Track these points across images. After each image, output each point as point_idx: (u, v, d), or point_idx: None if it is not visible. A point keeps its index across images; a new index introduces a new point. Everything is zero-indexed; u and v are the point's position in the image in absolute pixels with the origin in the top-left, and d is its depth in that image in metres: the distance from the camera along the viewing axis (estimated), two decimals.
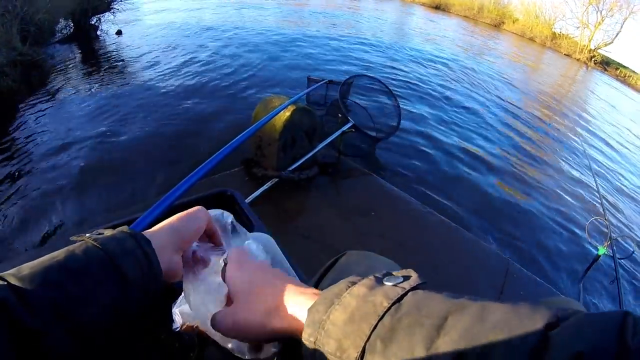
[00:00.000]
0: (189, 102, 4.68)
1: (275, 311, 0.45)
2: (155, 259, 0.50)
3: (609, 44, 29.32)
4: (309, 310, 0.40)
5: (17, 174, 3.22)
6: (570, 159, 5.85)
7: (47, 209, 2.85)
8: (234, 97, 5.05)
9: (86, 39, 7.41)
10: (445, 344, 0.32)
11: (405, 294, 0.37)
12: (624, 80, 26.77)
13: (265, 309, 0.45)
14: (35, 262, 0.42)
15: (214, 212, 0.78)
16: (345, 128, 3.11)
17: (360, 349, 0.34)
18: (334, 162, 3.08)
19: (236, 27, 9.61)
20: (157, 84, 5.15)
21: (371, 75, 4.13)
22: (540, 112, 8.22)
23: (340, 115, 3.19)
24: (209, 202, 1.26)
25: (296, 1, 17.79)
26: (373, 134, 3.55)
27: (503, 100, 7.95)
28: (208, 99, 4.87)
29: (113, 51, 6.86)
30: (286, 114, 2.59)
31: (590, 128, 8.66)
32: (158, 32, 8.42)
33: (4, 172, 3.22)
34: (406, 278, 0.40)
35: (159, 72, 5.66)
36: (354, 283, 0.40)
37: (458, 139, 5.17)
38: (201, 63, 6.31)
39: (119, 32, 8.04)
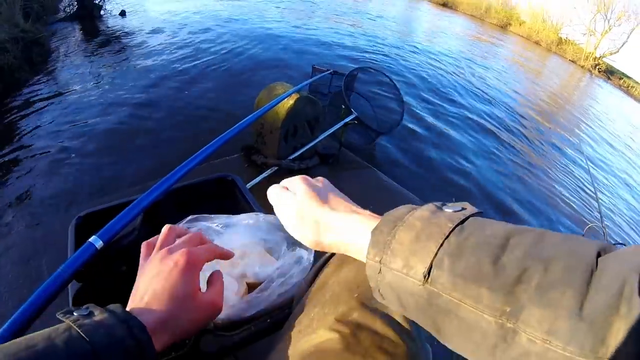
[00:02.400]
0: (188, 85, 4.62)
1: (331, 225, 0.49)
2: (150, 347, 0.45)
3: (615, 53, 29.32)
4: (373, 231, 0.41)
5: (12, 151, 3.18)
6: (569, 165, 5.85)
7: (39, 186, 2.83)
8: (235, 82, 4.98)
9: (89, 18, 7.24)
10: (510, 261, 0.34)
11: (467, 218, 0.39)
12: (627, 91, 26.80)
13: (322, 223, 0.49)
14: (13, 347, 0.39)
15: (196, 227, 0.81)
16: (348, 119, 3.10)
17: (428, 265, 0.36)
18: (334, 153, 3.07)
19: (241, 15, 9.47)
20: (158, 66, 5.09)
21: (377, 68, 4.09)
22: (541, 117, 8.20)
23: (343, 106, 3.16)
24: (209, 187, 1.26)
25: None
26: (375, 127, 3.53)
27: (505, 102, 7.93)
28: (209, 83, 4.81)
29: (116, 31, 6.74)
30: (290, 102, 2.56)
31: (591, 135, 8.66)
32: (162, 14, 8.28)
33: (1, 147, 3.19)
34: (464, 208, 0.42)
35: (160, 54, 5.59)
36: (414, 208, 0.42)
37: (458, 139, 5.15)
38: (204, 48, 6.22)
39: (122, 13, 7.93)
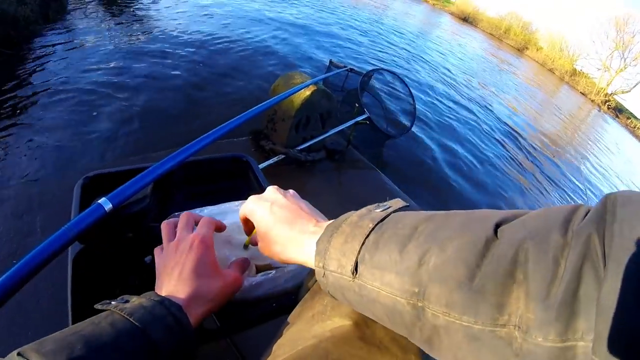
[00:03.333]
0: (206, 61, 4.58)
1: (290, 244, 0.52)
2: (187, 323, 0.48)
3: (626, 92, 29.49)
4: (317, 242, 0.47)
5: (19, 101, 3.14)
6: (568, 197, 5.86)
7: (42, 141, 2.79)
8: (253, 65, 4.95)
9: None
10: (413, 247, 0.38)
11: (388, 215, 0.44)
12: (633, 131, 26.97)
13: (281, 243, 0.53)
14: (58, 334, 0.41)
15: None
16: (359, 119, 3.08)
17: (354, 262, 0.42)
18: (341, 150, 3.06)
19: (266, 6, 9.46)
20: (177, 38, 5.03)
21: (394, 71, 4.07)
22: (545, 142, 8.29)
23: (357, 105, 3.14)
24: (224, 164, 1.24)
25: None
26: (385, 130, 3.51)
27: (512, 123, 7.99)
28: (226, 61, 4.76)
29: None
30: (306, 92, 2.55)
31: (591, 170, 8.73)
32: None
33: (10, 104, 3.14)
34: (390, 206, 0.48)
35: (182, 26, 5.52)
36: (350, 215, 0.47)
37: (462, 151, 5.17)
38: (224, 24, 6.18)
39: None
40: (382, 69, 4.07)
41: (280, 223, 0.54)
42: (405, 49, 9.89)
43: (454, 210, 0.43)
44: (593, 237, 0.30)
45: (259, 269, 0.74)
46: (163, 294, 0.53)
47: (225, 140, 2.62)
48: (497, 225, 0.36)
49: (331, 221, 0.49)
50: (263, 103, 1.56)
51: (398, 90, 4.00)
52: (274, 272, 0.71)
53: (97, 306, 0.48)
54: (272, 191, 0.61)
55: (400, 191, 2.97)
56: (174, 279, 0.54)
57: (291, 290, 0.73)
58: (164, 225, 0.64)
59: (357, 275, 0.41)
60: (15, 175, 2.42)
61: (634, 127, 27.64)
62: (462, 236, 0.36)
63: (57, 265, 0.62)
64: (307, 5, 10.49)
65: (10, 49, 3.79)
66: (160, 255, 0.61)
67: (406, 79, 5.48)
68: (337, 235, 0.45)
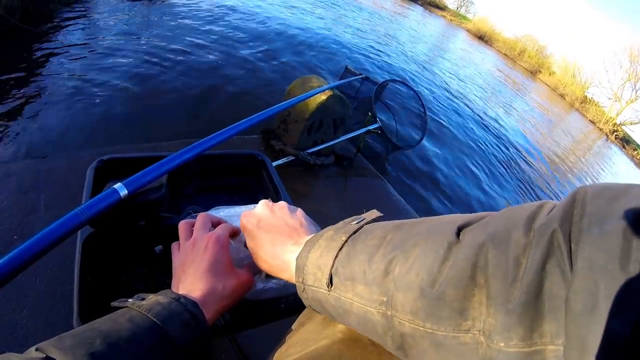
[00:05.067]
0: (225, 58, 4.59)
1: (274, 262, 0.54)
2: (203, 319, 0.49)
3: (635, 123, 29.46)
4: (296, 259, 0.48)
5: (34, 78, 3.15)
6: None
7: (53, 118, 2.80)
8: (263, 65, 4.94)
9: None
10: (380, 256, 0.39)
11: (360, 227, 0.46)
12: (639, 163, 26.91)
13: (266, 261, 0.55)
14: (77, 330, 0.42)
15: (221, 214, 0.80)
16: (371, 127, 3.08)
17: (328, 275, 0.43)
18: (350, 157, 3.05)
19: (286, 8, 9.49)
20: (200, 31, 5.06)
21: (409, 84, 4.07)
22: (549, 165, 8.32)
23: (370, 113, 3.14)
24: (239, 161, 1.24)
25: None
26: (395, 141, 3.51)
27: (519, 145, 8.05)
28: (245, 61, 4.77)
29: None
30: (322, 97, 2.55)
31: None
32: None
33: (23, 79, 3.15)
34: (364, 218, 0.49)
35: (206, 20, 5.56)
36: (327, 230, 0.48)
37: (470, 170, 5.19)
38: (244, 21, 6.22)
39: None
40: (397, 80, 4.07)
41: (264, 242, 0.56)
42: (420, 62, 9.92)
43: (425, 217, 0.44)
44: (557, 234, 0.29)
45: None
46: (180, 290, 0.55)
47: (236, 137, 2.61)
48: (460, 229, 0.36)
49: (310, 236, 0.50)
50: (279, 104, 1.56)
51: (411, 103, 4.00)
52: None
53: (114, 304, 0.48)
54: (261, 206, 0.62)
55: (403, 201, 2.96)
56: (190, 276, 0.56)
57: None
58: (182, 225, 0.66)
59: (332, 288, 0.43)
60: (24, 150, 2.43)
61: None
62: (426, 242, 0.37)
63: (63, 245, 0.61)
64: (328, 13, 10.52)
65: (29, 24, 3.80)
66: (177, 253, 0.63)
67: (420, 92, 5.49)
68: (314, 250, 0.46)
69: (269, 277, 0.72)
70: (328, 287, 0.43)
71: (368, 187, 2.95)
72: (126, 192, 0.71)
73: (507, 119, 9.61)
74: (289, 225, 0.57)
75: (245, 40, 5.37)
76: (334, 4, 11.99)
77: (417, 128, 3.81)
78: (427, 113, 3.90)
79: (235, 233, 0.68)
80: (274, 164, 2.48)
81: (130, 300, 0.48)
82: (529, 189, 6.01)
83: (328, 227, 0.49)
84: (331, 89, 2.52)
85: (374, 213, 0.51)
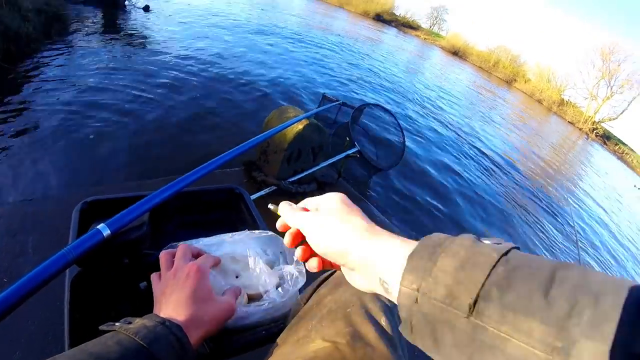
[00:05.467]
0: (201, 94, 4.69)
1: (340, 243, 0.46)
2: (188, 342, 0.52)
3: (614, 119, 30.03)
4: (411, 256, 0.38)
5: (17, 125, 3.17)
6: (555, 225, 5.92)
7: (37, 160, 2.83)
8: (242, 96, 5.06)
9: (113, 6, 7.46)
10: (560, 294, 0.32)
11: (509, 250, 0.36)
12: (621, 157, 27.37)
13: (344, 242, 0.46)
14: (69, 352, 0.45)
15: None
16: (350, 152, 3.16)
17: (475, 296, 0.33)
18: (332, 183, 3.12)
19: (261, 26, 9.77)
20: (173, 68, 5.16)
21: (385, 106, 4.19)
22: (532, 172, 8.44)
23: (347, 138, 3.23)
24: (218, 196, 1.30)
25: (326, 14, 18.19)
26: (375, 163, 3.59)
27: (500, 153, 8.16)
28: (222, 94, 4.88)
29: (137, 25, 6.91)
30: (299, 126, 2.63)
31: (579, 198, 8.87)
32: (184, 14, 8.57)
33: (6, 119, 3.18)
34: (499, 242, 0.39)
35: (177, 56, 5.68)
36: (452, 236, 0.39)
37: (453, 185, 5.27)
38: (220, 55, 6.38)
39: (146, 8, 8.12)
40: (373, 104, 4.18)
41: (327, 221, 0.49)
42: (397, 83, 10.15)
43: (580, 265, 0.36)
44: None
45: (251, 298, 0.79)
46: (164, 312, 0.58)
47: (218, 171, 2.68)
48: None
49: (427, 237, 0.40)
50: (257, 137, 1.63)
51: (388, 125, 4.10)
52: (264, 301, 0.76)
53: (102, 327, 0.51)
54: (332, 195, 0.55)
55: (388, 222, 3.02)
56: (172, 303, 0.59)
57: (279, 318, 0.78)
58: (163, 255, 0.70)
59: (474, 313, 0.33)
60: (10, 193, 2.45)
61: (622, 153, 28.08)
62: (617, 294, 0.31)
63: (52, 287, 0.65)
64: (305, 41, 10.77)
65: (11, 64, 3.87)
66: (157, 282, 0.66)
67: (397, 113, 5.62)
68: (447, 255, 0.36)
69: (251, 300, 0.77)
70: (469, 310, 0.34)
71: None
72: (109, 231, 0.76)
73: (487, 130, 9.79)
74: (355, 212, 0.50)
75: (224, 74, 5.51)
76: (311, 34, 12.28)
77: (396, 149, 3.90)
78: (406, 132, 4.01)
79: (215, 263, 0.72)
80: (257, 195, 2.55)
81: (117, 324, 0.51)
82: (513, 200, 6.09)
83: (444, 235, 0.40)
84: (307, 118, 2.60)
85: (504, 241, 0.40)
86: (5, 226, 1.85)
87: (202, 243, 0.89)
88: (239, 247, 1.03)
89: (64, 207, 2.02)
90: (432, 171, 5.27)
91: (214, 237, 0.95)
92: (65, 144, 3.07)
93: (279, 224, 0.56)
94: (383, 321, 0.71)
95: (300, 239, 0.54)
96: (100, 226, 0.75)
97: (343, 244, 0.46)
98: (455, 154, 6.56)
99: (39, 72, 4.02)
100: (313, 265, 0.54)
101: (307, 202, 0.56)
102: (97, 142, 3.20)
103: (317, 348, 0.51)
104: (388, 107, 4.75)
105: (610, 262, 5.84)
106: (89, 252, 0.72)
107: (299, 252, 0.54)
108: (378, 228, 0.47)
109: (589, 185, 11.05)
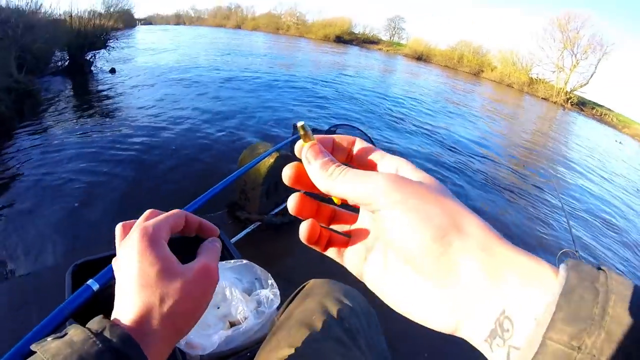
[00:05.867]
0: (177, 145, 4.79)
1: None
2: (138, 356, 0.36)
3: (585, 85, 30.48)
4: (564, 296, 0.23)
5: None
6: (542, 197, 5.99)
7: (35, 240, 2.85)
8: (218, 141, 5.18)
9: (80, 74, 7.69)
10: None
11: None
12: (600, 119, 27.76)
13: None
14: None
15: None
16: None
17: None
18: None
19: (227, 69, 9.98)
20: (145, 125, 5.29)
21: (353, 125, 4.34)
22: (516, 155, 8.58)
23: None
24: (193, 241, 1.40)
25: (289, 47, 18.55)
26: None
27: (481, 147, 8.27)
28: (193, 143, 4.97)
29: (105, 89, 7.08)
30: (270, 160, 2.73)
31: (564, 166, 9.01)
32: (151, 72, 8.78)
33: None
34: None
35: (148, 113, 5.83)
36: (600, 266, 0.25)
37: (454, 181, 5.41)
38: (191, 106, 6.52)
39: (112, 70, 8.33)
40: (342, 124, 4.30)
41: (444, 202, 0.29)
42: (367, 100, 10.35)
43: None
44: None
45: (232, 324, 0.88)
46: (114, 315, 0.41)
47: (203, 217, 2.75)
48: None
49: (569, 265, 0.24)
50: (229, 176, 1.74)
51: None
52: (243, 325, 0.84)
53: (33, 347, 0.36)
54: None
55: None
56: (119, 292, 0.42)
57: (261, 339, 0.85)
58: (119, 226, 0.49)
59: None
60: (7, 271, 2.48)
61: (601, 115, 28.48)
62: None
63: None
64: (274, 78, 11.03)
65: None
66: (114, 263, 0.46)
67: (368, 129, 5.77)
68: (617, 298, 0.22)
69: (233, 325, 0.85)
70: None
71: None
72: (97, 285, 0.86)
73: (465, 125, 9.94)
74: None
75: (196, 123, 5.65)
76: (276, 71, 12.52)
77: None
78: (383, 144, 4.11)
79: (176, 223, 0.49)
80: (243, 233, 2.62)
81: (48, 338, 0.37)
82: (500, 183, 6.18)
83: (589, 265, 0.25)
84: (277, 150, 2.72)
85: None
86: (8, 301, 1.93)
87: None
88: (226, 274, 1.13)
89: (60, 273, 2.08)
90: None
91: None
92: (52, 213, 3.14)
93: (299, 149, 0.37)
94: (345, 323, 0.81)
95: (304, 184, 0.38)
96: (90, 282, 0.85)
97: (448, 246, 0.27)
98: (435, 153, 6.68)
99: (16, 149, 4.12)
100: (307, 232, 0.37)
101: (374, 152, 0.37)
102: (82, 207, 3.28)
103: (283, 355, 0.57)
104: (357, 124, 4.89)
105: (596, 222, 5.91)
106: (82, 306, 0.81)
107: (295, 202, 0.39)
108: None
109: (575, 152, 11.25)
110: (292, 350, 0.60)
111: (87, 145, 4.42)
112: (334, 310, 0.78)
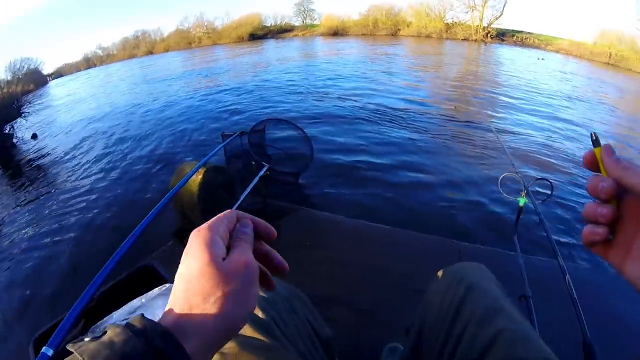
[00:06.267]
0: (110, 194, 4.71)
1: None
2: (181, 356, 0.36)
3: (499, 17, 31.56)
4: None
5: None
6: (478, 133, 6.13)
7: None
8: (151, 177, 5.11)
9: (2, 149, 7.51)
10: None
11: None
12: (523, 44, 28.91)
13: None
14: None
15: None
16: (262, 173, 3.23)
17: None
18: (261, 207, 3.17)
19: (146, 103, 9.85)
20: (76, 184, 5.20)
21: (277, 117, 4.33)
22: (446, 100, 8.80)
23: (253, 163, 3.32)
24: (135, 279, 1.36)
25: (204, 60, 18.27)
26: (290, 169, 3.69)
27: (410, 102, 8.41)
28: (124, 188, 4.89)
29: (31, 157, 6.95)
30: (198, 177, 2.69)
31: (493, 95, 9.39)
32: (72, 127, 8.59)
33: None
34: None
35: (78, 170, 5.73)
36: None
37: (366, 145, 5.46)
38: (117, 151, 6.42)
39: (34, 136, 8.14)
40: (268, 119, 4.28)
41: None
42: (293, 90, 10.30)
43: None
44: None
45: None
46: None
47: (154, 253, 2.69)
48: None
49: None
50: (156, 206, 1.69)
51: (290, 130, 4.22)
52: None
53: (69, 347, 0.35)
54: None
55: (329, 214, 3.13)
56: (171, 294, 0.43)
57: None
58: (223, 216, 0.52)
59: None
60: None
61: (522, 40, 29.67)
62: None
63: None
64: (193, 97, 10.86)
65: None
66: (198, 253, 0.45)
67: (299, 112, 5.76)
68: None
69: None
70: None
71: (292, 221, 3.07)
72: (52, 350, 0.86)
73: (391, 88, 10.06)
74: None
75: (127, 164, 5.57)
76: (199, 89, 12.29)
77: (306, 148, 4.01)
78: (317, 124, 4.13)
79: (230, 222, 0.51)
80: None
81: (85, 338, 0.36)
82: (437, 136, 6.33)
83: None
84: (203, 164, 2.68)
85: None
86: None
87: (115, 316, 0.96)
88: (158, 302, 1.10)
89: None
90: (353, 145, 5.43)
91: (125, 306, 1.02)
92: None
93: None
94: (260, 313, 0.81)
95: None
96: (44, 349, 0.85)
97: None
98: (364, 117, 6.80)
99: None
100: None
101: None
102: (32, 281, 3.27)
103: None
104: (279, 114, 4.87)
105: (532, 140, 6.16)
106: None
107: (606, 213, 0.42)
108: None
109: (500, 79, 11.78)
110: (217, 357, 0.61)
111: (23, 217, 4.36)
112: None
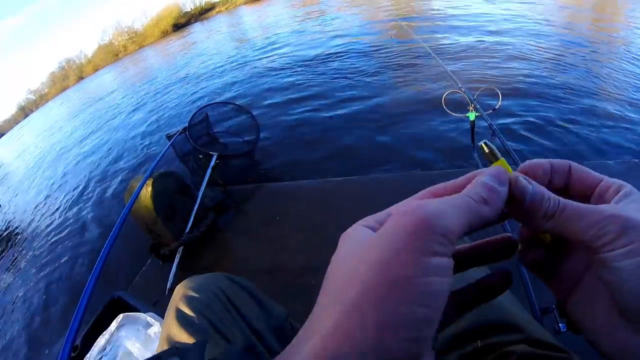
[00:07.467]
0: (84, 249, 4.50)
1: None
2: None
3: None
4: None
5: None
6: (424, 63, 5.99)
7: None
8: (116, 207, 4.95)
9: None
10: None
11: None
12: None
13: None
14: None
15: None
16: (212, 163, 3.16)
17: None
18: (224, 200, 3.09)
19: (98, 127, 9.40)
20: (49, 249, 4.98)
21: (214, 102, 4.20)
22: (382, 32, 8.74)
23: (201, 156, 3.23)
24: (108, 312, 1.33)
25: (138, 70, 17.67)
26: (240, 151, 3.63)
27: (348, 45, 8.24)
28: (103, 231, 4.66)
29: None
30: (148, 189, 2.59)
31: (430, 21, 9.22)
32: (32, 183, 8.39)
33: None
34: None
35: (48, 231, 5.49)
36: None
37: (309, 98, 5.47)
38: (77, 195, 6.20)
39: None
40: (210, 104, 4.14)
41: None
42: (225, 71, 10.04)
43: None
44: None
45: None
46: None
47: (137, 278, 2.60)
48: None
49: None
50: (112, 232, 1.64)
51: (232, 112, 4.12)
52: None
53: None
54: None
55: (290, 182, 3.11)
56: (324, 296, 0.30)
57: None
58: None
59: None
60: None
61: None
62: None
63: None
64: (135, 106, 10.52)
65: None
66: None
67: (230, 97, 5.65)
68: None
69: None
70: None
71: (256, 201, 3.03)
72: None
73: (325, 34, 9.94)
74: None
75: (88, 212, 5.37)
76: (143, 99, 11.91)
77: (252, 125, 3.93)
78: (250, 110, 4.04)
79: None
80: (174, 265, 2.49)
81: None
82: (390, 66, 6.27)
83: None
84: (150, 174, 2.58)
85: None
86: None
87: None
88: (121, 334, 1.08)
89: None
90: (294, 107, 5.32)
91: (94, 347, 1.00)
92: None
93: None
94: (196, 319, 0.79)
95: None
96: None
97: None
98: (305, 73, 6.62)
99: None
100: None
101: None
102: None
103: None
104: (214, 100, 4.75)
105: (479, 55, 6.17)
106: None
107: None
108: None
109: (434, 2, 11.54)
110: None
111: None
112: (186, 311, 0.79)
